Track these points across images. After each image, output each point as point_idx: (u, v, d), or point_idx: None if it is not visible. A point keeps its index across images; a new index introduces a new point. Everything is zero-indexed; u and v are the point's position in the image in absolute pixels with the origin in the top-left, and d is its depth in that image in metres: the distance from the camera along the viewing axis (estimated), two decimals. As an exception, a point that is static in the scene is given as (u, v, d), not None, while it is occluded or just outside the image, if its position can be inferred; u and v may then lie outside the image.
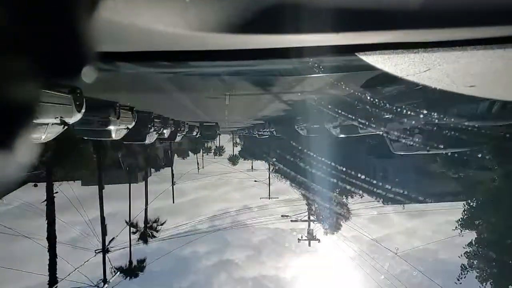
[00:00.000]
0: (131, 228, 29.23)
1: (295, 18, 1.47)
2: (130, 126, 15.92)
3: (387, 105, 10.37)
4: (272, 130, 29.59)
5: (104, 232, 24.34)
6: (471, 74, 2.29)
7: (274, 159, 40.91)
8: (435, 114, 9.31)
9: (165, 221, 32.12)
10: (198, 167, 49.47)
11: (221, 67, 2.57)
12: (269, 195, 38.82)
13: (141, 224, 31.11)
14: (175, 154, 49.65)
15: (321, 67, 2.57)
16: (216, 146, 60.33)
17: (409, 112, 9.59)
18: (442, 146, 11.50)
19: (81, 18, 0.53)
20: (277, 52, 1.93)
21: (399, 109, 9.86)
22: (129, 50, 1.95)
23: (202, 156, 54.43)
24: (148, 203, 31.85)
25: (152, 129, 19.62)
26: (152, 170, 38.49)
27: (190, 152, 53.47)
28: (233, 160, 55.81)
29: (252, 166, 50.17)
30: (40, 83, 0.54)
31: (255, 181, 42.50)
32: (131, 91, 12.41)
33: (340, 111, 13.62)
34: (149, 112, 18.70)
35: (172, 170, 37.71)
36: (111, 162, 29.95)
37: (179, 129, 27.66)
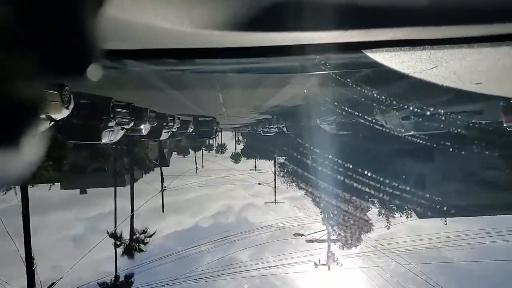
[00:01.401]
0: (115, 241, 25.64)
1: (301, 16, 1.47)
2: (58, 117, 10.67)
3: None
4: (281, 126, 24.52)
5: (31, 281, 14.34)
6: (478, 71, 2.28)
7: (282, 160, 37.12)
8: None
9: (154, 233, 28.10)
10: (196, 167, 45.21)
11: (227, 64, 2.57)
12: (275, 200, 34.27)
13: (127, 235, 26.77)
14: (176, 152, 46.66)
15: (327, 64, 2.57)
16: (218, 143, 59.52)
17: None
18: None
19: (87, 16, 0.54)
20: (284, 49, 1.93)
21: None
22: (135, 48, 1.96)
23: (202, 154, 50.75)
24: (134, 210, 27.04)
25: (113, 123, 13.30)
26: (145, 171, 33.92)
27: (190, 150, 50.06)
28: (235, 158, 54.83)
29: (255, 166, 46.97)
30: (44, 82, 0.54)
31: (259, 183, 38.19)
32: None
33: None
34: (105, 98, 12.47)
35: (162, 174, 32.12)
36: (93, 163, 26.16)
37: (164, 124, 21.53)
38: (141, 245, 27.28)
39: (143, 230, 27.77)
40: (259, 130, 34.79)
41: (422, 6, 1.48)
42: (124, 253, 26.11)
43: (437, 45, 1.87)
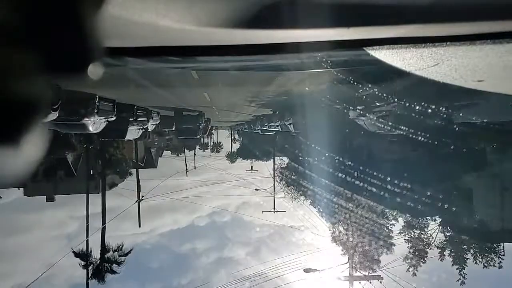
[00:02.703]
0: (80, 261, 21.05)
1: (303, 13, 1.47)
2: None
3: None
4: (287, 123, 19.04)
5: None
6: (480, 69, 2.28)
7: (284, 165, 32.21)
8: None
9: (130, 250, 23.39)
10: (186, 170, 39.97)
11: (229, 62, 2.57)
12: (274, 208, 29.36)
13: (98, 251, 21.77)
14: (170, 151, 43.66)
15: (329, 61, 2.58)
16: (213, 142, 58.79)
17: None
18: None
19: (88, 14, 0.53)
20: (285, 47, 1.92)
21: None
22: (136, 46, 1.95)
23: (194, 154, 46.50)
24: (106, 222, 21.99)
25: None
26: (122, 175, 29.11)
27: (184, 149, 45.87)
28: (231, 158, 53.92)
29: (251, 167, 42.66)
30: (45, 80, 0.53)
31: (256, 189, 33.76)
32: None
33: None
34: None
35: (138, 182, 25.83)
36: (60, 166, 22.41)
37: (131, 119, 15.70)
38: (114, 266, 22.39)
39: (118, 247, 22.86)
40: (256, 128, 30.26)
41: (424, 4, 1.48)
42: (92, 275, 21.45)
43: (438, 42, 1.87)
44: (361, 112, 11.23)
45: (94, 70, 0.54)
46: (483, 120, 10.18)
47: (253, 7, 1.38)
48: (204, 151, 54.01)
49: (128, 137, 17.55)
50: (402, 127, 10.75)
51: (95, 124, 12.17)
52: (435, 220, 16.48)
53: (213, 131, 49.96)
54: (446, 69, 2.22)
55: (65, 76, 0.56)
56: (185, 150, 45.52)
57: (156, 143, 36.03)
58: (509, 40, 1.75)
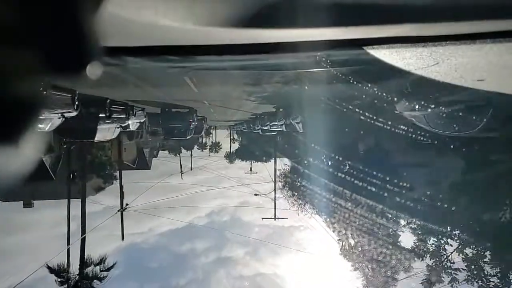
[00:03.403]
0: (56, 277, 18.44)
1: (303, 13, 1.47)
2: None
3: None
4: (295, 121, 16.03)
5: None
6: (480, 68, 2.28)
7: (288, 168, 29.43)
8: None
9: (113, 264, 20.93)
10: (181, 172, 37.81)
11: (228, 61, 2.57)
12: (275, 215, 27.12)
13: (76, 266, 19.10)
14: (166, 151, 41.70)
15: (328, 61, 2.57)
16: (212, 142, 58.31)
17: None
18: None
19: (87, 13, 0.53)
20: (285, 46, 1.92)
21: None
22: (135, 45, 1.95)
23: (191, 154, 44.02)
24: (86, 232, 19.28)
25: None
26: (113, 177, 26.22)
27: (183, 148, 43.98)
28: (229, 158, 53.33)
29: (250, 169, 41.15)
30: (44, 79, 0.53)
31: (256, 194, 32.18)
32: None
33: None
34: None
35: (121, 187, 22.79)
36: (37, 169, 18.72)
37: (104, 115, 13.03)
38: (95, 281, 20.12)
39: (101, 260, 20.64)
40: (256, 128, 27.84)
41: (424, 3, 1.48)
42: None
43: (438, 42, 1.87)
44: (418, 103, 7.55)
45: (93, 70, 0.54)
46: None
47: (253, 6, 1.38)
48: (202, 151, 53.03)
49: (99, 137, 14.27)
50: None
51: (44, 121, 9.49)
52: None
53: (211, 130, 49.15)
54: (446, 68, 2.22)
55: (64, 75, 0.55)
56: (182, 150, 43.40)
57: (150, 143, 34.27)
58: (509, 39, 1.75)
